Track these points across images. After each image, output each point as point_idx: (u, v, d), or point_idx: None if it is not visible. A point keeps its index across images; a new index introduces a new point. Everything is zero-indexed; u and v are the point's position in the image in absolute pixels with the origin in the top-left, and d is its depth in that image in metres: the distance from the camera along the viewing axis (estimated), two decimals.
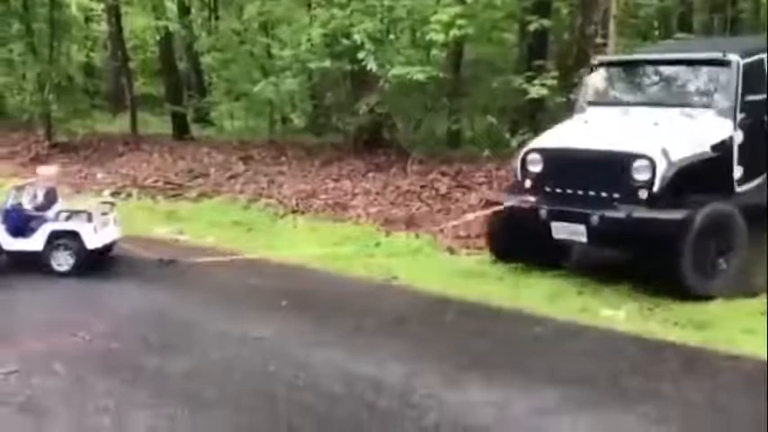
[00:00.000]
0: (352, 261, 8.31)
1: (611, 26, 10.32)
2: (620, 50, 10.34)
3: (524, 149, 7.76)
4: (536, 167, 7.48)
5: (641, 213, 6.62)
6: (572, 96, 9.40)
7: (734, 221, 6.88)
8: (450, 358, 5.53)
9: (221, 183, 12.43)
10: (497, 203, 7.60)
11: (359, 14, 11.78)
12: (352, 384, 5.09)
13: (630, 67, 8.46)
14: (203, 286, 7.61)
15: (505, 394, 4.93)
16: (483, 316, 6.59)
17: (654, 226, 6.58)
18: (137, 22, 18.07)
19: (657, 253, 6.63)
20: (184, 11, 17.36)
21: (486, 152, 11.90)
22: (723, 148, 7.18)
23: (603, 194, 6.97)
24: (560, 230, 7.16)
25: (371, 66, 11.27)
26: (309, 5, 14.68)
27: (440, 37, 10.88)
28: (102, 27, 21.52)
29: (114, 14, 17.49)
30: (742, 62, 7.38)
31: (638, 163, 6.78)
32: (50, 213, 8.08)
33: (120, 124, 17.98)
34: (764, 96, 7.55)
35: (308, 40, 12.50)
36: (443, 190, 10.78)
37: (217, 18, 18.91)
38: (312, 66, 12.63)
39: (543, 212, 7.16)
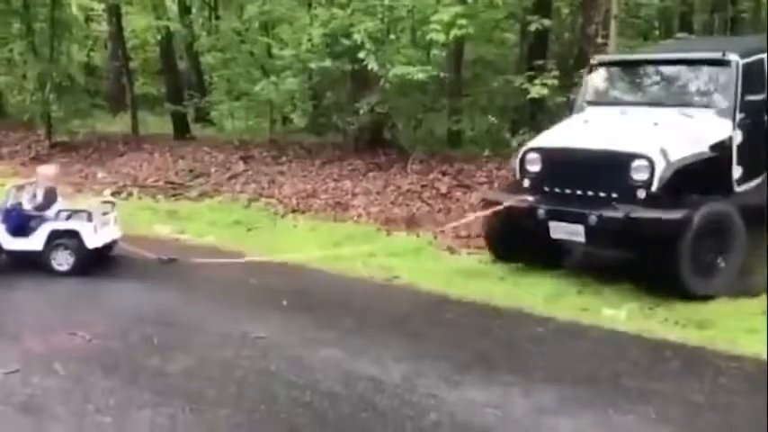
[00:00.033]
0: (353, 261, 8.31)
1: (612, 26, 10.31)
2: (620, 50, 10.34)
3: (523, 149, 7.76)
4: (534, 167, 7.47)
5: (639, 213, 6.61)
6: (572, 96, 9.40)
7: (732, 221, 6.88)
8: (451, 358, 5.53)
9: (222, 182, 12.44)
10: (496, 203, 7.58)
11: (359, 14, 11.79)
12: (352, 384, 5.09)
13: (630, 67, 8.46)
14: (204, 286, 7.61)
15: (506, 394, 4.94)
16: (484, 315, 6.58)
17: (652, 226, 6.57)
18: (137, 21, 18.04)
19: (655, 253, 6.62)
20: (185, 10, 17.36)
21: (487, 152, 11.92)
22: (722, 148, 7.17)
23: (602, 194, 6.96)
24: (558, 230, 7.15)
25: (372, 65, 11.27)
26: (310, 5, 14.69)
27: (440, 37, 10.88)
28: (102, 27, 21.52)
29: (115, 14, 17.49)
30: (741, 62, 7.38)
31: (636, 163, 6.77)
32: (50, 213, 8.08)
33: (121, 124, 17.98)
34: (764, 96, 7.54)
35: (309, 39, 12.51)
36: (444, 189, 10.79)
37: (217, 18, 18.90)
38: (312, 65, 12.64)
39: (541, 212, 7.15)
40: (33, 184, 8.41)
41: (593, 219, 6.78)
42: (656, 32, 17.92)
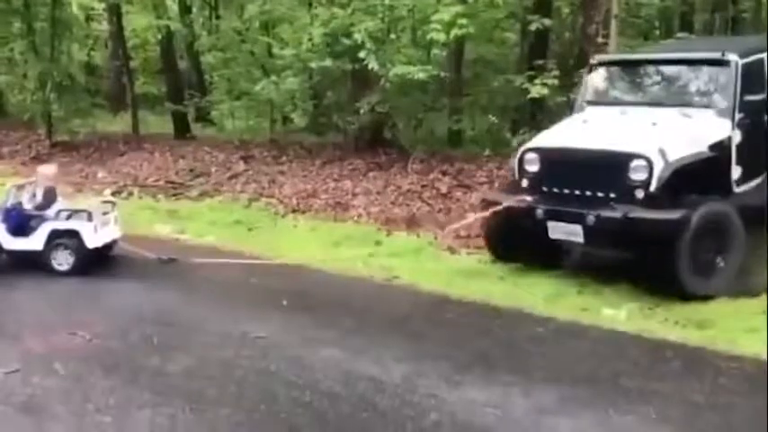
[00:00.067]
0: (353, 261, 8.31)
1: (613, 26, 10.31)
2: (621, 50, 10.34)
3: (522, 149, 7.75)
4: (533, 167, 7.47)
5: (637, 213, 6.60)
6: (571, 96, 9.39)
7: (731, 221, 6.86)
8: (451, 358, 5.53)
9: (222, 182, 12.43)
10: (495, 203, 7.58)
11: (360, 14, 11.79)
12: (352, 384, 5.09)
13: (629, 67, 8.45)
14: (204, 285, 7.61)
15: (507, 394, 4.94)
16: (484, 315, 6.58)
17: (650, 226, 6.57)
18: (138, 21, 18.04)
19: (654, 253, 6.61)
20: (185, 10, 17.34)
21: (487, 151, 11.91)
22: (721, 148, 7.16)
23: (600, 194, 6.95)
24: (557, 230, 7.15)
25: (372, 65, 11.27)
26: (310, 5, 14.68)
27: (441, 36, 10.88)
28: (103, 26, 21.51)
29: (115, 13, 17.49)
30: (741, 62, 7.36)
31: (634, 163, 6.76)
32: (50, 212, 8.07)
33: (121, 123, 17.97)
34: (764, 96, 7.53)
35: (309, 39, 12.51)
36: (444, 189, 10.79)
37: (218, 17, 18.90)
38: (313, 65, 12.63)
39: (540, 212, 7.15)
40: (33, 183, 8.41)
41: (591, 219, 6.77)
42: (657, 32, 17.91)
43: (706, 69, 7.67)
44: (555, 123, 8.28)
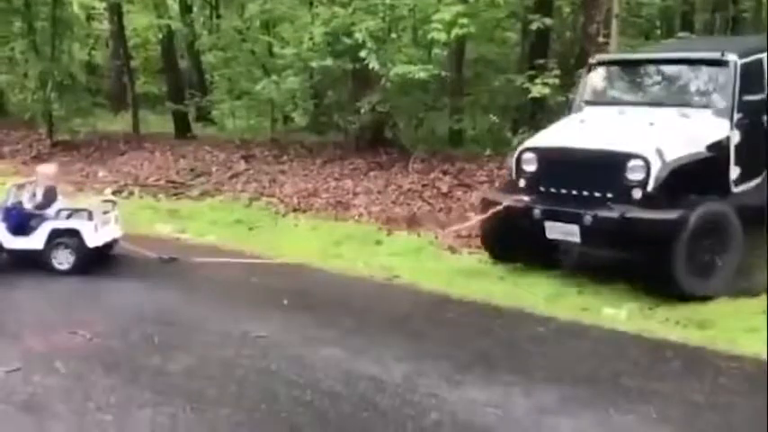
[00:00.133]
0: (354, 260, 8.32)
1: (614, 25, 10.30)
2: (622, 50, 10.33)
3: (519, 148, 7.75)
4: (530, 167, 7.46)
5: (635, 213, 6.59)
6: (569, 96, 9.39)
7: (729, 222, 6.85)
8: (452, 357, 5.53)
9: (223, 181, 12.43)
10: (493, 203, 7.56)
11: (361, 13, 11.78)
12: (353, 383, 5.09)
13: (628, 67, 8.44)
14: (204, 285, 7.61)
15: (507, 393, 4.94)
16: (484, 315, 6.59)
17: (647, 226, 6.56)
18: (138, 20, 18.06)
19: (651, 253, 6.60)
20: (186, 9, 17.34)
21: (488, 151, 11.91)
22: (719, 148, 7.14)
23: (597, 194, 6.94)
24: (554, 230, 7.14)
25: (373, 64, 11.26)
26: (311, 4, 14.68)
27: (442, 36, 10.87)
28: (103, 25, 21.52)
29: (116, 13, 17.50)
30: (740, 62, 7.34)
31: (632, 163, 6.75)
32: (51, 212, 8.07)
33: (122, 123, 17.97)
34: (763, 96, 7.51)
35: (310, 38, 12.50)
36: (445, 189, 10.79)
37: (218, 17, 18.90)
38: (314, 64, 12.63)
39: (537, 212, 7.14)
40: (33, 182, 8.42)
41: (588, 219, 6.76)
42: (658, 32, 17.92)
43: (705, 69, 7.65)
44: (554, 123, 8.27)
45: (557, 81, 10.74)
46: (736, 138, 7.26)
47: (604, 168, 6.91)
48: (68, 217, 8.03)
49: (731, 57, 7.35)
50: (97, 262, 7.96)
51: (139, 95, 18.62)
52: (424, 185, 10.98)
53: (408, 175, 11.50)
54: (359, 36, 11.25)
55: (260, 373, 5.31)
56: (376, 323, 6.43)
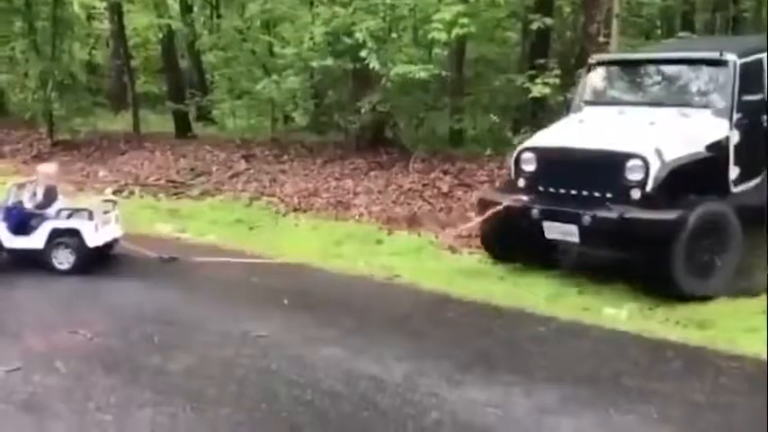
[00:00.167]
0: (354, 260, 8.32)
1: (614, 25, 10.30)
2: (622, 49, 10.33)
3: (518, 148, 7.74)
4: (529, 166, 7.45)
5: (633, 214, 6.58)
6: (569, 95, 9.39)
7: (728, 222, 6.84)
8: (452, 357, 5.53)
9: (223, 181, 12.43)
10: (491, 203, 7.55)
11: (361, 13, 11.78)
12: (353, 383, 5.09)
13: (627, 67, 8.43)
14: (205, 284, 7.61)
15: (508, 393, 4.93)
16: (485, 315, 6.58)
17: (646, 226, 6.55)
18: (139, 20, 18.06)
19: (650, 254, 6.59)
20: (186, 9, 17.36)
21: (489, 151, 11.90)
22: (719, 148, 7.13)
23: (596, 194, 6.93)
24: (552, 230, 7.13)
25: (374, 64, 11.27)
26: (312, 3, 14.68)
27: (442, 35, 10.87)
28: (104, 25, 21.53)
29: (116, 12, 17.50)
30: (739, 62, 7.32)
31: (631, 163, 6.74)
32: (51, 211, 8.07)
33: (122, 122, 17.97)
34: (762, 96, 7.49)
35: (311, 38, 12.50)
36: (445, 189, 10.78)
37: (219, 16, 18.92)
38: (314, 64, 12.63)
39: (535, 212, 7.13)
40: (34, 182, 8.41)
41: (586, 219, 6.75)
42: (658, 32, 17.92)
43: (704, 69, 7.64)
44: (554, 123, 8.27)
45: (557, 81, 10.74)
46: (735, 138, 7.24)
47: (603, 168, 6.90)
48: (69, 216, 8.03)
49: (730, 57, 7.33)
50: (97, 261, 7.96)
51: (140, 95, 18.63)
52: (424, 185, 10.98)
53: (409, 174, 11.50)
54: (359, 36, 11.25)
55: (260, 372, 5.31)
56: (376, 323, 6.43)
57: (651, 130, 7.10)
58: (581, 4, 13.36)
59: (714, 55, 7.43)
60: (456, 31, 10.67)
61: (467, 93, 14.24)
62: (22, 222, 7.92)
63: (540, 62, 11.69)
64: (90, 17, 19.45)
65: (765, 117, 7.50)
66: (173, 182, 12.66)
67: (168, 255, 8.22)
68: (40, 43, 16.09)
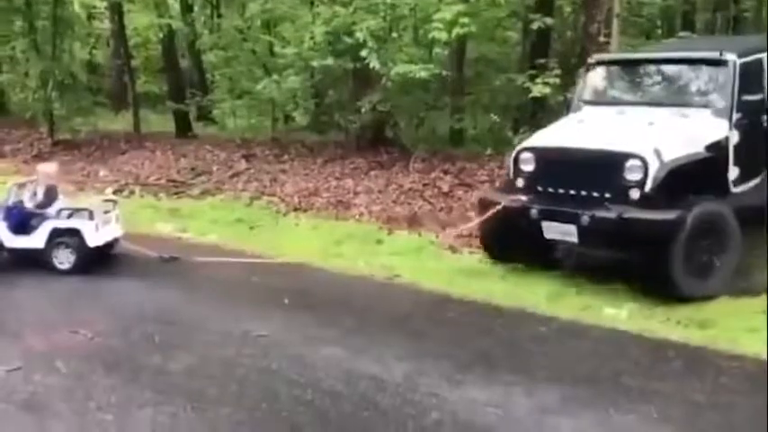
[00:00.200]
0: (355, 259, 8.32)
1: (615, 25, 10.30)
2: (622, 49, 10.33)
3: (517, 148, 7.73)
4: (528, 166, 7.44)
5: (632, 214, 6.57)
6: (568, 95, 9.38)
7: (726, 222, 6.83)
8: (453, 357, 5.53)
9: (224, 180, 12.43)
10: (490, 203, 7.54)
11: (362, 12, 11.78)
12: (353, 382, 5.09)
13: (627, 66, 8.41)
14: (205, 284, 7.61)
15: (508, 393, 4.93)
16: (485, 314, 6.58)
17: (645, 226, 6.54)
18: (139, 19, 18.07)
19: (649, 254, 6.58)
20: (187, 8, 17.37)
21: (489, 150, 11.90)
22: (718, 148, 7.11)
23: (595, 194, 6.91)
24: (551, 230, 7.12)
25: (374, 64, 11.27)
26: (312, 3, 14.67)
27: (442, 35, 10.88)
28: (104, 25, 21.53)
29: (117, 12, 17.51)
30: (739, 62, 7.29)
31: (629, 163, 6.72)
32: (52, 211, 8.07)
33: (123, 122, 17.97)
34: (762, 96, 7.47)
35: (311, 37, 12.50)
36: (446, 188, 10.78)
37: (219, 16, 18.92)
38: (315, 64, 12.63)
39: (534, 212, 7.12)
40: (34, 181, 8.41)
41: (585, 219, 6.74)
42: (659, 31, 17.92)
43: (704, 69, 7.61)
44: (553, 123, 8.26)
45: (558, 80, 10.74)
46: (734, 138, 7.22)
47: (602, 168, 6.89)
48: (69, 216, 8.03)
49: (730, 56, 7.31)
50: (98, 261, 7.96)
51: (140, 95, 18.64)
52: (424, 185, 10.98)
53: (409, 174, 11.49)
54: (360, 35, 11.25)
55: (261, 372, 5.31)
56: (377, 322, 6.43)
57: (650, 131, 7.08)
58: (581, 3, 13.35)
59: (714, 55, 7.42)
60: (456, 30, 10.67)
61: (467, 92, 14.24)
62: (22, 222, 7.92)
63: (541, 62, 11.69)
64: (90, 17, 19.48)
65: (765, 117, 7.49)
66: (173, 181, 12.66)
67: (169, 254, 8.22)
68: (40, 43, 16.09)
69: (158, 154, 14.39)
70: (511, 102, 13.64)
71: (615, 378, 5.18)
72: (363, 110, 12.23)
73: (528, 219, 7.16)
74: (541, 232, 7.17)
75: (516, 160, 7.54)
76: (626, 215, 6.56)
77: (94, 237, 7.83)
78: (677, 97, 7.66)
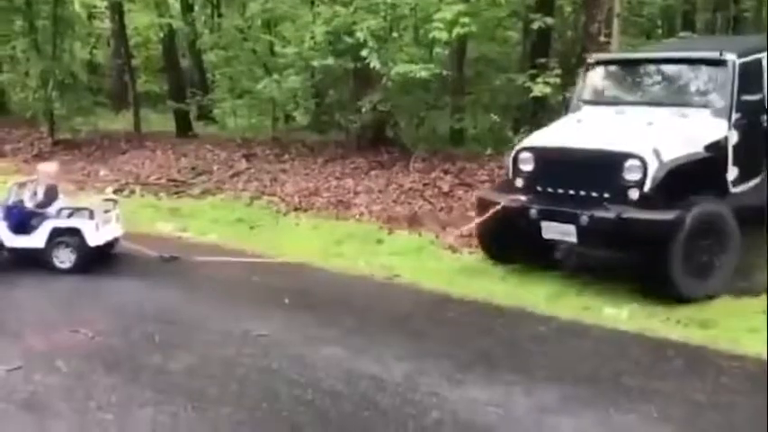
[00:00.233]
0: (355, 259, 8.32)
1: (615, 24, 10.30)
2: (623, 49, 10.33)
3: (516, 148, 7.72)
4: (527, 166, 7.43)
5: (631, 214, 6.56)
6: (567, 95, 9.38)
7: (725, 222, 6.82)
8: (453, 357, 5.53)
9: (224, 180, 12.43)
10: (489, 202, 7.54)
11: (362, 12, 11.78)
12: (354, 382, 5.09)
13: (626, 66, 8.40)
14: (206, 283, 7.61)
15: (508, 393, 4.93)
16: (486, 314, 6.58)
17: (644, 226, 6.53)
18: (140, 19, 18.07)
19: (647, 254, 6.58)
20: (187, 8, 17.37)
21: (489, 150, 11.89)
22: (717, 148, 7.09)
23: (594, 194, 6.90)
24: (550, 230, 7.11)
25: (374, 63, 11.26)
26: (313, 3, 14.68)
27: (443, 35, 10.87)
28: (105, 24, 21.53)
29: (117, 11, 17.52)
30: (738, 62, 7.28)
31: (628, 163, 6.72)
32: (52, 210, 8.07)
33: (123, 122, 17.97)
34: (761, 96, 7.47)
35: (312, 37, 12.50)
36: (446, 188, 10.78)
37: (220, 15, 18.93)
38: (315, 63, 12.63)
39: (533, 212, 7.11)
40: (35, 181, 8.42)
41: (584, 219, 6.73)
42: (659, 31, 17.92)
43: (703, 69, 7.60)
44: (553, 122, 8.26)
45: (558, 80, 10.74)
46: (734, 138, 7.20)
47: (601, 168, 6.88)
48: (69, 216, 8.04)
49: (730, 56, 7.30)
50: (98, 261, 7.96)
51: (141, 94, 18.64)
52: (425, 184, 10.98)
53: (409, 174, 11.49)
54: (360, 35, 11.25)
55: (261, 371, 5.31)
56: (377, 322, 6.43)
57: (649, 130, 7.08)
58: (582, 3, 13.35)
59: (713, 55, 7.41)
60: (457, 30, 10.67)
61: (467, 92, 14.23)
62: (22, 221, 7.92)
63: (541, 61, 11.69)
64: (91, 16, 19.48)
65: (764, 117, 7.48)
66: (173, 181, 12.66)
67: (169, 254, 8.22)
68: (40, 42, 16.09)
69: (159, 153, 14.39)
70: (511, 101, 13.65)
71: (615, 378, 5.18)
72: (364, 109, 12.23)
73: (527, 219, 7.15)
74: (540, 232, 7.16)
75: (515, 160, 7.53)
76: (625, 215, 6.55)
77: (95, 236, 7.84)
78: (676, 97, 7.65)
